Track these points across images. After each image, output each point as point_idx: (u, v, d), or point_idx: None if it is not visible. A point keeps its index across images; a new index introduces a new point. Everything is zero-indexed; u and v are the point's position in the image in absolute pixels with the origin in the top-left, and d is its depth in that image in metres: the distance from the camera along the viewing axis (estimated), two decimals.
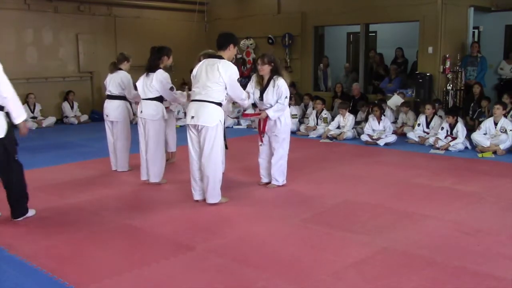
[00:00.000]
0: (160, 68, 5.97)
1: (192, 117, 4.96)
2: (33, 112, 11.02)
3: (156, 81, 5.87)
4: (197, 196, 5.22)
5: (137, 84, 6.07)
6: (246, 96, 5.34)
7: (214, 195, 5.11)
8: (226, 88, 5.01)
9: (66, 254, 3.96)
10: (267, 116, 5.59)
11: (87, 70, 11.97)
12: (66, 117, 11.63)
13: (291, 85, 11.50)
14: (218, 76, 4.94)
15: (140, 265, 3.71)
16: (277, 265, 3.70)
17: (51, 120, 11.27)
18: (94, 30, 11.98)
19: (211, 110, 4.94)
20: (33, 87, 11.12)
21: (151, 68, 5.94)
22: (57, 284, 3.43)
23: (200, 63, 5.12)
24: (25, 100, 10.96)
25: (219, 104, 4.98)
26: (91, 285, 3.41)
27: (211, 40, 14.42)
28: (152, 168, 5.92)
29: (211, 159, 4.97)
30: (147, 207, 5.11)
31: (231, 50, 5.22)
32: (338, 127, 9.36)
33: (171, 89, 5.96)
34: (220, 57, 5.06)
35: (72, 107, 11.65)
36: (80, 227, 4.58)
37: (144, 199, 5.45)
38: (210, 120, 4.92)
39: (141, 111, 5.92)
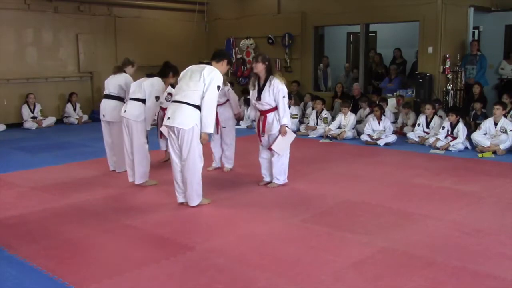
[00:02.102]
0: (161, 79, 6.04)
1: (168, 118, 4.91)
2: (33, 112, 11.02)
3: (148, 84, 5.88)
4: (180, 199, 5.14)
5: (132, 84, 6.11)
6: (215, 108, 5.04)
7: (193, 198, 5.06)
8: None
9: (66, 254, 3.96)
10: (283, 124, 5.65)
11: (87, 70, 11.97)
12: (66, 117, 11.63)
13: (295, 82, 11.56)
14: (199, 79, 4.88)
15: (140, 265, 3.70)
16: (277, 265, 3.70)
17: (51, 120, 11.26)
18: (94, 30, 11.98)
19: (187, 112, 4.86)
20: (33, 87, 11.12)
21: (154, 75, 6.02)
22: (57, 284, 3.43)
23: (188, 68, 5.11)
24: (25, 100, 10.98)
25: (197, 107, 4.88)
26: (91, 285, 3.41)
27: (211, 40, 14.59)
28: (137, 169, 5.88)
29: (189, 162, 4.93)
30: (147, 207, 5.11)
31: (223, 66, 5.17)
32: (339, 127, 9.36)
33: (157, 98, 5.94)
34: (210, 64, 5.06)
35: (75, 109, 11.66)
36: (80, 227, 4.58)
37: (144, 199, 5.45)
38: (185, 123, 4.85)
39: (125, 111, 5.90)
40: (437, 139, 8.11)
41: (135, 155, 5.84)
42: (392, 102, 10.04)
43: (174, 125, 4.88)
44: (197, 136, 4.90)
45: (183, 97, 4.89)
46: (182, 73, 5.11)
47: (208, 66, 4.99)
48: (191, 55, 13.39)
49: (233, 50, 13.09)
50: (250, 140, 9.00)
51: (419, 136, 8.67)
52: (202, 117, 4.87)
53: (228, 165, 6.76)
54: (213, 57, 5.20)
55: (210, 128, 4.95)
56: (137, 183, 5.90)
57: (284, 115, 5.61)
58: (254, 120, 6.11)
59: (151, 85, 5.89)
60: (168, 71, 6.22)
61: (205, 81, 4.87)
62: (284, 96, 5.59)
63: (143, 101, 5.88)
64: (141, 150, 5.85)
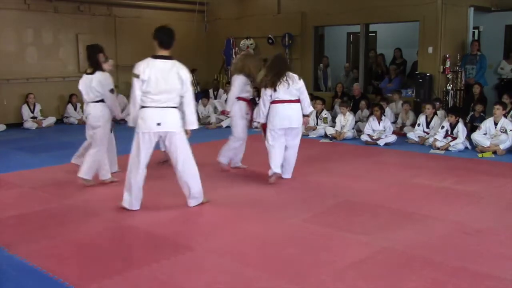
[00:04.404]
0: (102, 68, 5.94)
1: (159, 124, 4.80)
2: (33, 112, 11.02)
3: (96, 83, 5.85)
4: (137, 206, 5.01)
5: (79, 86, 6.00)
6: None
7: (198, 198, 5.09)
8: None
9: (66, 254, 3.96)
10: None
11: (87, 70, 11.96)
12: (66, 117, 11.64)
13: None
14: (178, 81, 4.87)
15: (140, 265, 3.70)
16: (277, 265, 3.70)
17: (51, 120, 11.26)
18: (94, 30, 11.97)
19: (176, 115, 4.89)
20: (33, 87, 11.12)
21: (93, 70, 5.92)
22: (57, 284, 3.43)
23: (145, 65, 4.79)
24: (25, 100, 10.98)
25: (177, 108, 4.96)
26: (91, 285, 3.41)
27: (211, 40, 14.56)
28: (84, 164, 5.89)
29: (190, 164, 4.96)
30: (146, 207, 5.11)
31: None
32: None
33: (111, 91, 5.90)
34: (171, 58, 4.91)
35: (75, 109, 11.66)
36: (80, 227, 4.59)
37: (143, 199, 5.44)
38: (176, 125, 4.89)
39: (88, 113, 5.95)
40: (436, 139, 8.10)
41: (94, 154, 5.89)
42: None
43: (168, 130, 4.85)
44: (185, 137, 4.97)
45: (168, 102, 4.85)
46: (146, 75, 4.75)
47: (177, 64, 4.90)
48: (191, 55, 13.42)
49: (233, 50, 13.08)
50: (250, 140, 9.00)
51: (419, 136, 8.67)
52: (189, 115, 4.95)
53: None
54: (167, 46, 4.87)
55: (196, 124, 5.06)
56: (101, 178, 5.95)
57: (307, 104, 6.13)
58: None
59: (99, 83, 5.85)
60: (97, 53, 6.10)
61: (183, 81, 4.90)
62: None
63: (101, 101, 5.89)
64: (99, 152, 5.87)
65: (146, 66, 4.78)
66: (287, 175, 6.23)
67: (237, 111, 6.48)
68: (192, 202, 5.08)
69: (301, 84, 6.03)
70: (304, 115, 6.11)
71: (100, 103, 5.90)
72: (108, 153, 6.10)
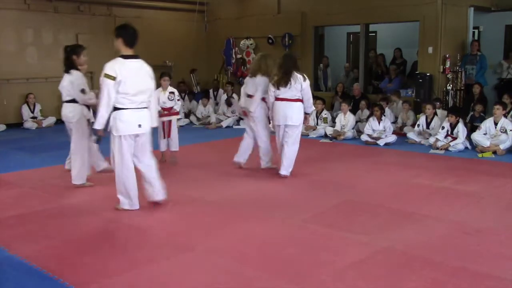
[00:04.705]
0: (77, 68, 5.97)
1: (139, 125, 4.83)
2: (33, 112, 11.02)
3: (68, 83, 5.86)
4: (137, 204, 5.04)
5: (59, 86, 6.04)
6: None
7: (163, 191, 5.14)
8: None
9: (66, 254, 3.96)
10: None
11: (87, 70, 11.89)
12: None
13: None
14: (150, 81, 4.92)
15: (140, 265, 3.71)
16: (277, 265, 3.70)
17: (51, 120, 11.25)
18: (94, 30, 11.96)
19: (149, 115, 4.95)
20: (33, 87, 11.11)
21: (65, 68, 5.96)
22: (57, 284, 3.43)
23: (118, 65, 4.72)
24: (25, 100, 10.98)
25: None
26: (91, 285, 3.41)
27: (211, 40, 14.55)
28: (72, 170, 5.91)
29: (152, 160, 5.08)
30: (146, 207, 5.11)
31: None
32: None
33: (82, 91, 5.89)
34: (138, 57, 4.91)
35: None
36: (80, 227, 4.59)
37: (143, 199, 5.44)
38: (149, 126, 4.97)
39: (62, 113, 5.98)
40: (438, 139, 8.10)
41: (72, 157, 5.98)
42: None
43: (145, 131, 4.91)
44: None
45: (146, 103, 4.89)
46: (121, 74, 4.67)
47: (145, 65, 4.92)
48: (191, 55, 13.43)
49: (233, 50, 13.09)
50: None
51: (419, 132, 8.65)
52: (153, 113, 5.08)
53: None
54: (133, 45, 4.94)
55: (156, 122, 5.28)
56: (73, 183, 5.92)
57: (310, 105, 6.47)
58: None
59: (70, 83, 5.87)
60: (71, 55, 6.18)
61: (152, 80, 4.94)
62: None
63: (73, 101, 5.90)
64: (76, 152, 5.91)
65: (119, 66, 4.71)
66: (284, 171, 6.28)
67: (262, 112, 6.61)
68: (161, 197, 5.09)
69: (304, 85, 6.18)
70: (305, 113, 6.35)
71: (71, 103, 5.91)
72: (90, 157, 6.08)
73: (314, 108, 6.58)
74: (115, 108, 4.74)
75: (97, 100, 5.35)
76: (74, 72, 5.91)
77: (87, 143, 5.96)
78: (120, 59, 4.76)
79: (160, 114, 7.09)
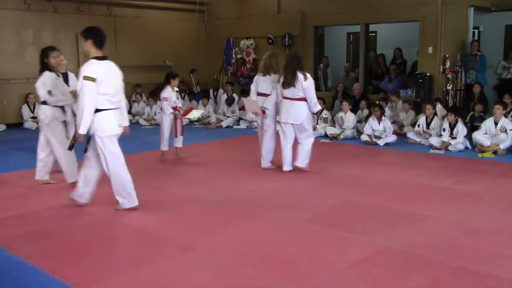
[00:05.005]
0: (50, 69, 5.97)
1: (119, 125, 4.89)
2: (33, 112, 10.99)
3: (38, 84, 5.90)
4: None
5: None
6: None
7: (128, 197, 5.04)
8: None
9: (66, 254, 3.96)
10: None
11: None
12: None
13: None
14: (121, 82, 4.96)
15: (140, 265, 3.71)
16: (277, 265, 3.70)
17: None
18: None
19: (121, 114, 4.98)
20: (33, 87, 11.08)
21: (40, 70, 5.98)
22: (57, 284, 3.43)
23: (96, 66, 4.70)
24: (25, 100, 10.98)
25: None
26: (91, 285, 3.41)
27: (211, 40, 14.54)
28: (64, 171, 5.94)
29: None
30: (146, 207, 5.11)
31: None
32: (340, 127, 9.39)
33: (49, 92, 5.88)
34: (108, 58, 4.92)
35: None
36: (80, 227, 4.59)
37: (143, 199, 5.44)
38: (123, 124, 5.00)
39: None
40: (443, 141, 8.07)
41: (57, 158, 6.00)
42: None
43: (121, 130, 4.94)
44: None
45: (119, 100, 4.91)
46: (101, 75, 4.69)
47: (113, 63, 4.94)
48: (191, 55, 13.43)
49: (233, 50, 13.09)
50: (250, 140, 9.03)
51: (420, 132, 8.64)
52: (125, 112, 5.05)
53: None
54: (102, 45, 4.89)
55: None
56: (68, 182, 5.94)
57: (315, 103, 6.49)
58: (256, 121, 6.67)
59: (40, 84, 5.91)
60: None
61: (121, 80, 4.97)
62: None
63: (44, 102, 5.93)
64: (57, 152, 5.93)
65: (97, 67, 4.71)
66: (299, 163, 6.53)
67: (274, 109, 6.75)
68: (119, 201, 5.01)
69: (305, 84, 6.27)
70: (312, 113, 6.50)
71: (42, 104, 5.94)
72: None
73: (319, 108, 6.64)
74: (97, 110, 4.73)
75: (75, 100, 5.41)
76: (45, 74, 5.93)
77: (63, 143, 5.92)
78: (95, 61, 4.76)
79: (177, 115, 7.27)
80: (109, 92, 4.73)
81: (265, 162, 6.77)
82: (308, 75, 6.40)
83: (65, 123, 6.02)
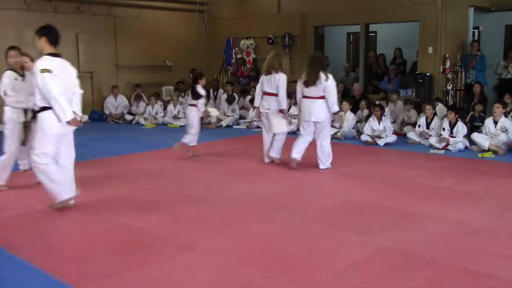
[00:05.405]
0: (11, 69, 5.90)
1: (68, 122, 4.86)
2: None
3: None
4: (74, 191, 5.08)
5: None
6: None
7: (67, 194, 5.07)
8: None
9: (66, 254, 3.96)
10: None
11: (87, 70, 11.95)
12: None
13: (295, 82, 11.55)
14: (74, 78, 5.01)
15: (140, 265, 3.70)
16: (277, 265, 3.70)
17: None
18: (94, 30, 11.97)
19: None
20: None
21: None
22: (57, 284, 3.43)
23: (50, 61, 4.75)
24: None
25: None
26: (91, 285, 3.41)
27: (211, 40, 14.54)
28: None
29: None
30: (147, 207, 5.11)
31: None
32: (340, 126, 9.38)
33: (4, 93, 5.82)
34: (60, 55, 4.95)
35: None
36: (80, 227, 4.59)
37: (143, 199, 5.45)
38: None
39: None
40: (443, 137, 8.08)
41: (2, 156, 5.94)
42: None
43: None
44: None
45: (69, 98, 4.93)
46: (55, 70, 4.72)
47: (65, 60, 4.96)
48: (191, 55, 13.43)
49: (233, 50, 13.09)
50: (250, 140, 9.03)
51: (420, 133, 8.65)
52: (78, 110, 5.00)
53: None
54: (57, 43, 5.01)
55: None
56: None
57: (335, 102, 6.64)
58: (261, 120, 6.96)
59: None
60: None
61: (75, 77, 5.05)
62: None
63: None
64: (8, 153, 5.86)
65: (51, 62, 4.74)
66: (322, 165, 6.70)
67: (276, 106, 6.92)
68: (76, 193, 5.06)
69: (325, 84, 6.47)
70: (333, 113, 6.68)
71: (5, 105, 5.88)
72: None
73: (337, 108, 6.74)
74: (45, 108, 4.73)
75: (30, 99, 5.35)
76: (5, 73, 5.88)
77: (17, 147, 5.86)
78: (48, 57, 4.80)
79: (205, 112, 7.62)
80: (61, 88, 4.75)
81: (275, 153, 6.99)
82: (330, 75, 6.58)
83: (25, 124, 5.86)
